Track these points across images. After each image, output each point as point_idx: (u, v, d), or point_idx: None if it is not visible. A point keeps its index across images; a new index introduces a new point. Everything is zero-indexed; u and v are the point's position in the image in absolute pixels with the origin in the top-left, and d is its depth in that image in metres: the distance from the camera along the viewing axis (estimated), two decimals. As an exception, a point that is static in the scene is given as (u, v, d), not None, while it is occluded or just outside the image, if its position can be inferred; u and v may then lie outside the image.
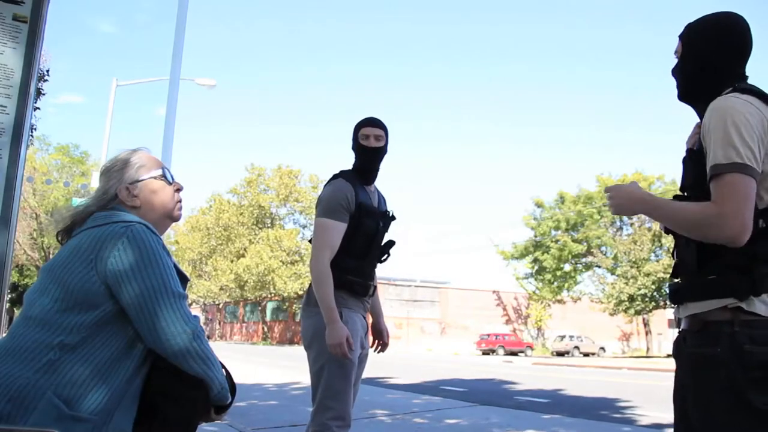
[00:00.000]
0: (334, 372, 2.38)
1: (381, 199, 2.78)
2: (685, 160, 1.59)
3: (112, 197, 1.64)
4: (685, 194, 1.60)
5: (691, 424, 1.47)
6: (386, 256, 2.79)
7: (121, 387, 1.44)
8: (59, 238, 1.64)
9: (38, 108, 8.63)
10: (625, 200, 1.59)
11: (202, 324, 1.54)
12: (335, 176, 2.64)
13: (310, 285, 2.56)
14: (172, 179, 1.75)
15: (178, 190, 1.76)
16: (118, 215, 1.57)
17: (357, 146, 2.65)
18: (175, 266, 1.58)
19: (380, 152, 2.65)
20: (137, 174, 1.67)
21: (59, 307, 1.44)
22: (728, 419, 1.36)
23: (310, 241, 2.65)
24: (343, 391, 2.39)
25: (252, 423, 5.86)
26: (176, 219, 1.77)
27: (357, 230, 2.51)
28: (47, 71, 8.41)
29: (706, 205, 1.41)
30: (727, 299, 1.41)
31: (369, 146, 2.62)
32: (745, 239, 1.36)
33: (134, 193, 1.65)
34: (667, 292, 1.65)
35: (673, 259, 1.64)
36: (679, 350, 1.57)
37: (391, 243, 2.79)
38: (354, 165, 2.69)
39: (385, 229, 2.73)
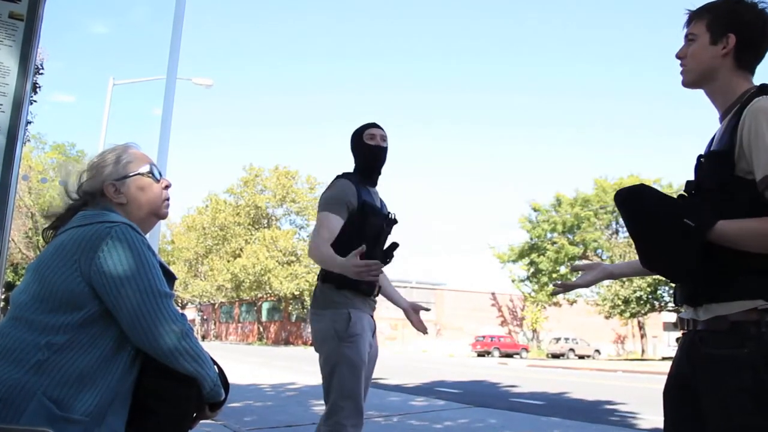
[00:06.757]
0: (345, 373, 2.42)
1: (382, 203, 2.81)
2: (706, 161, 1.53)
3: (99, 194, 1.62)
4: (694, 195, 1.54)
5: (702, 426, 1.43)
6: (390, 258, 2.81)
7: (112, 387, 1.43)
8: (45, 236, 1.63)
9: (35, 101, 8.62)
10: None
11: (196, 323, 1.53)
12: (338, 177, 2.66)
13: (316, 287, 2.58)
14: (160, 176, 1.73)
15: (167, 186, 1.74)
16: (103, 215, 1.54)
17: (362, 147, 2.69)
18: (162, 265, 1.57)
19: (385, 152, 2.72)
20: (124, 170, 1.65)
21: (44, 308, 1.43)
22: (752, 422, 1.32)
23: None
24: (355, 391, 2.43)
25: (247, 423, 5.85)
26: (163, 217, 1.75)
27: (363, 229, 2.52)
28: (41, 65, 8.38)
29: None
30: (756, 301, 1.37)
31: (376, 145, 2.68)
32: None
33: (121, 190, 1.63)
34: (676, 293, 1.57)
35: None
36: (692, 352, 1.50)
37: (395, 245, 2.82)
38: (357, 167, 2.71)
39: (388, 231, 2.76)
